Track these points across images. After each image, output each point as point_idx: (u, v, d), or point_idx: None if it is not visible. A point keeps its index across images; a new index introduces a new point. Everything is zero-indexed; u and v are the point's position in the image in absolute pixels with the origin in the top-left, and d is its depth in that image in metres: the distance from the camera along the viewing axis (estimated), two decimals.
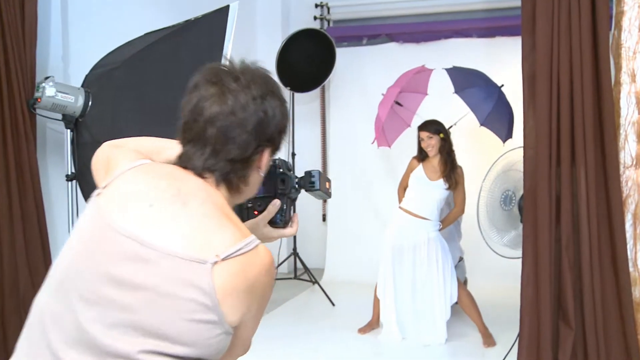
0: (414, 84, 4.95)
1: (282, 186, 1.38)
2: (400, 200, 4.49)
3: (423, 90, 4.95)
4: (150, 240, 1.08)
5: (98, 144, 3.15)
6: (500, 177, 4.24)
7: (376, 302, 4.50)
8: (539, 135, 3.42)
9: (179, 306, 1.05)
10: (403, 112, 5.11)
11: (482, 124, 4.85)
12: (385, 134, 4.95)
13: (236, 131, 1.17)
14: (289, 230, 1.42)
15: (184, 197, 1.13)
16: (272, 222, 1.38)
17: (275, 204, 1.36)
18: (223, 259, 1.07)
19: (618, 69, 3.33)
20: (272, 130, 1.22)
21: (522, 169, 3.63)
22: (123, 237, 1.09)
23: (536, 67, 3.40)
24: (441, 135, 4.29)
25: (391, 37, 6.52)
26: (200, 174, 1.19)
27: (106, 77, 3.26)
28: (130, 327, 1.05)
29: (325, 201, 6.25)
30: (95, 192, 1.19)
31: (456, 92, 4.89)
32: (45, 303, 1.12)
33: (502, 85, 4.72)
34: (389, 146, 5.07)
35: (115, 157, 1.31)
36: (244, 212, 1.37)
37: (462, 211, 4.43)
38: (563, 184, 3.40)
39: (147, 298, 1.05)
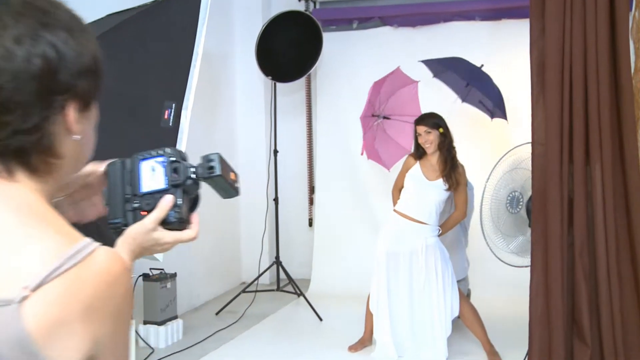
0: (402, 103, 5.15)
1: (175, 176, 1.23)
2: (394, 203, 4.47)
3: (416, 112, 5.01)
4: None
5: None
6: (506, 177, 4.24)
7: (368, 316, 4.47)
8: (549, 129, 3.41)
9: None
10: (397, 133, 5.20)
11: (464, 101, 5.13)
12: (379, 155, 5.16)
13: (7, 94, 0.90)
14: (187, 233, 1.24)
15: None
16: (166, 223, 1.23)
17: (167, 199, 1.21)
18: (35, 289, 0.84)
19: (639, 55, 3.33)
20: (67, 76, 0.95)
21: (530, 167, 3.64)
22: None
23: (546, 54, 3.39)
24: (440, 130, 4.27)
25: (385, 21, 6.49)
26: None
27: None
28: None
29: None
30: None
31: (435, 76, 5.11)
32: None
33: (482, 65, 5.00)
34: (388, 169, 5.22)
35: None
36: (129, 214, 1.23)
37: (464, 214, 4.42)
38: (576, 183, 3.40)
39: None
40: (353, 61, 6.48)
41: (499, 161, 4.31)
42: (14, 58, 0.90)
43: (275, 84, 6.14)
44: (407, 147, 4.91)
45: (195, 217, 1.25)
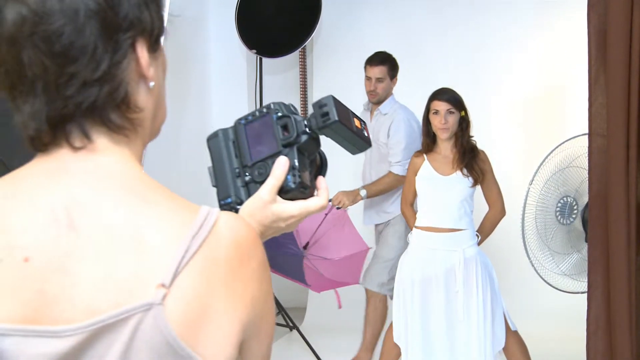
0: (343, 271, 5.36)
1: (286, 134, 1.28)
2: (410, 222, 4.44)
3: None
4: (57, 318, 0.92)
5: None
6: (555, 178, 4.24)
7: (385, 351, 4.45)
8: (612, 116, 3.40)
9: None
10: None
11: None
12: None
13: (67, 39, 0.94)
14: (314, 201, 1.28)
15: (65, 214, 0.95)
16: (285, 192, 1.27)
17: (280, 161, 1.25)
18: (171, 282, 0.92)
19: None
20: (129, 7, 0.99)
21: (586, 166, 3.63)
22: (17, 339, 0.91)
23: (609, 19, 3.37)
24: (463, 113, 4.24)
25: None
26: (65, 128, 0.99)
27: None
28: None
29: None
30: None
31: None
32: None
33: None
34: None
35: None
36: (241, 190, 1.28)
37: (502, 211, 4.37)
38: None
39: None
40: (358, 30, 6.49)
41: (546, 158, 4.31)
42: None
43: (261, 59, 6.12)
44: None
45: (322, 181, 1.32)
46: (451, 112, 4.21)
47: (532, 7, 6.07)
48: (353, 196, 4.90)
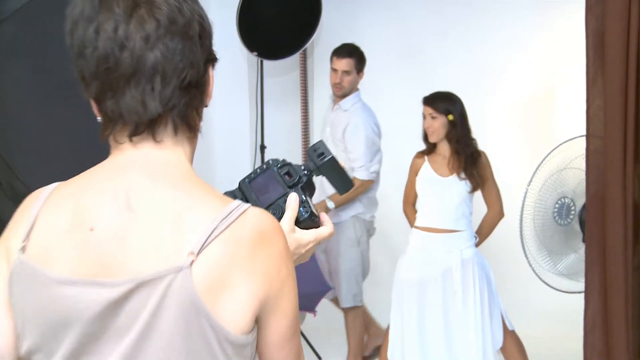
0: None
1: (290, 178, 1.51)
2: (410, 222, 4.45)
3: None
4: (111, 274, 1.19)
5: None
6: (553, 179, 4.25)
7: (385, 346, 4.46)
8: (609, 118, 3.40)
9: (181, 338, 1.18)
10: None
11: None
12: None
13: (184, 45, 1.23)
14: (325, 229, 1.51)
15: (124, 199, 1.22)
16: (299, 222, 1.48)
17: (292, 197, 1.46)
18: (197, 252, 1.16)
19: None
20: (210, 37, 1.31)
21: (584, 167, 3.62)
22: (79, 289, 1.20)
23: (606, 21, 3.37)
24: (450, 117, 4.23)
25: None
26: (153, 127, 1.25)
27: None
28: None
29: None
30: (17, 246, 1.26)
31: None
32: None
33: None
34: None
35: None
36: None
37: (501, 213, 4.38)
38: None
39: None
40: (358, 31, 6.47)
41: (544, 159, 4.32)
42: (185, 13, 1.23)
43: (262, 61, 6.11)
44: None
45: (324, 216, 1.54)
46: (434, 117, 4.23)
47: (531, 9, 6.08)
48: (321, 209, 4.65)
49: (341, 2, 6.48)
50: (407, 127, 5.32)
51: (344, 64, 4.91)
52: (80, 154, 3.08)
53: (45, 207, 1.27)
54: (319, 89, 6.66)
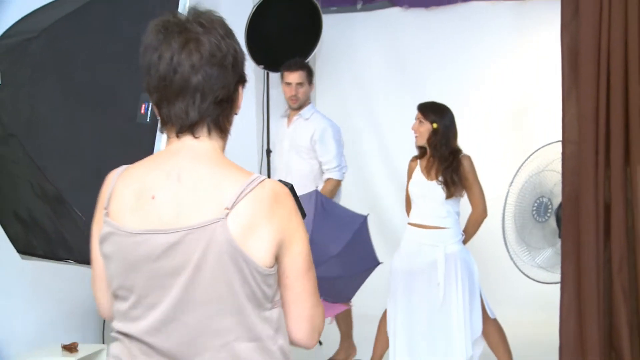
0: None
1: None
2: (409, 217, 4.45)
3: None
4: (168, 225, 1.52)
5: (12, 137, 3.11)
6: (532, 180, 4.25)
7: (379, 338, 4.45)
8: (583, 126, 3.41)
9: (222, 271, 1.50)
10: None
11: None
12: None
13: (221, 71, 1.55)
14: None
15: (175, 175, 1.55)
16: None
17: None
18: (231, 207, 1.49)
19: None
20: (242, 66, 1.62)
21: (560, 170, 3.64)
22: (145, 237, 1.53)
23: (580, 39, 3.38)
24: (434, 125, 4.21)
25: (393, 1, 6.50)
26: (193, 127, 1.57)
27: (20, 50, 3.17)
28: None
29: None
30: (102, 215, 1.62)
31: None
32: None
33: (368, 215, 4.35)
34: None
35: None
36: None
37: (484, 212, 4.36)
38: (613, 188, 3.39)
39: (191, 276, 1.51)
40: (357, 48, 6.48)
41: (524, 162, 4.31)
42: (222, 49, 1.55)
43: (268, 73, 6.11)
44: None
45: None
46: (421, 122, 4.22)
47: (512, 25, 6.09)
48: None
49: (339, 20, 6.48)
50: (400, 133, 5.31)
51: (297, 76, 4.77)
52: (101, 157, 3.09)
53: (119, 182, 1.60)
54: (320, 99, 6.65)
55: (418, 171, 4.31)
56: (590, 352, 3.37)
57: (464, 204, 4.31)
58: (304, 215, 1.67)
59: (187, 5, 3.07)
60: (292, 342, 1.64)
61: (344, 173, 4.84)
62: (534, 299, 5.04)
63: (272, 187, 1.54)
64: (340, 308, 3.95)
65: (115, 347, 1.62)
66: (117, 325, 1.61)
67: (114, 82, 3.10)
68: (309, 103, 4.88)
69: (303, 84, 4.77)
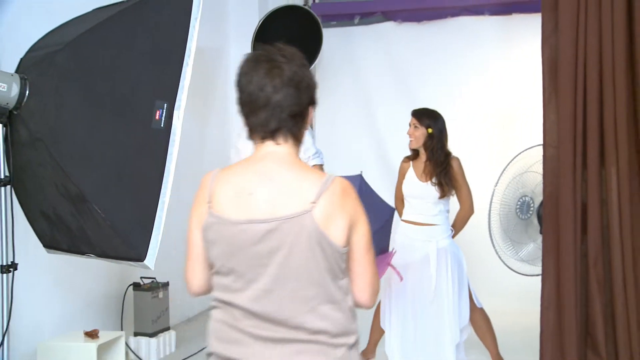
0: None
1: None
2: (400, 214, 4.45)
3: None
4: (265, 216, 1.76)
5: (39, 142, 3.12)
6: (515, 181, 4.24)
7: (374, 327, 4.45)
8: (562, 131, 3.41)
9: (310, 251, 1.75)
10: None
11: None
12: None
13: (296, 92, 1.80)
14: None
15: (267, 175, 1.81)
16: None
17: None
18: (315, 201, 1.75)
19: None
20: (313, 90, 1.88)
21: (541, 171, 3.63)
22: (246, 225, 1.77)
23: (559, 50, 3.38)
24: (429, 130, 4.21)
25: (388, 15, 6.49)
26: (274, 134, 1.83)
27: (46, 62, 3.17)
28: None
29: None
30: (205, 209, 1.84)
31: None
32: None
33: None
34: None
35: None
36: None
37: (471, 209, 4.35)
38: (590, 188, 3.40)
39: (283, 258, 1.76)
40: (355, 59, 6.48)
41: (508, 164, 4.31)
42: (299, 75, 1.81)
43: None
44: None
45: None
46: (416, 127, 4.21)
47: (498, 39, 6.10)
48: None
49: (338, 33, 6.49)
50: (395, 136, 5.31)
51: None
52: (119, 159, 3.11)
53: (216, 182, 1.84)
54: (320, 106, 6.62)
55: (412, 172, 4.30)
56: (568, 338, 3.37)
57: (453, 202, 4.32)
58: None
59: (198, 22, 3.09)
60: (357, 304, 1.89)
61: (322, 157, 4.71)
62: (517, 289, 5.03)
63: (341, 183, 1.80)
64: (384, 266, 3.98)
65: (218, 313, 1.87)
66: (219, 295, 1.86)
67: (131, 91, 3.11)
68: None
69: None
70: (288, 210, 1.76)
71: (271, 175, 1.81)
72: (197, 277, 1.93)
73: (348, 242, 1.81)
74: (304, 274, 1.77)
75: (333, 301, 1.81)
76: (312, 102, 1.89)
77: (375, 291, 1.92)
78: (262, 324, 1.80)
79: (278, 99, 1.79)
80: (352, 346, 1.86)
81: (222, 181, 1.85)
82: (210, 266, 1.88)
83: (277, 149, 1.84)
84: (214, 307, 1.89)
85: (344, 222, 1.79)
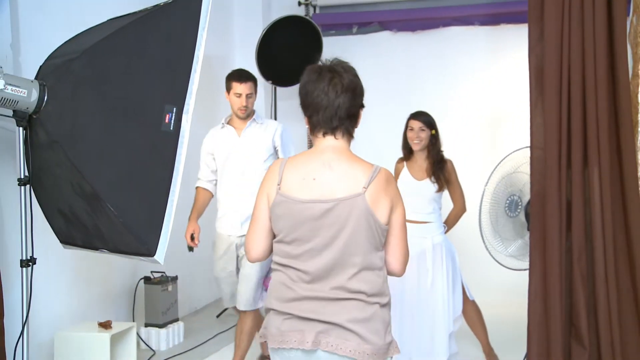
0: None
1: None
2: None
3: None
4: (325, 197, 2.05)
5: (56, 144, 3.13)
6: (504, 181, 4.22)
7: None
8: (548, 133, 3.41)
9: (360, 227, 2.05)
10: None
11: None
12: None
13: (352, 97, 2.11)
14: None
15: (328, 164, 2.09)
16: None
17: None
18: (366, 187, 2.05)
19: (636, 59, 3.33)
20: (363, 96, 2.18)
21: (529, 171, 3.63)
22: (310, 204, 2.06)
23: (544, 59, 3.39)
24: (433, 132, 4.22)
25: (384, 25, 6.50)
26: (334, 131, 2.12)
27: (64, 68, 3.18)
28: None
29: None
30: (275, 190, 2.11)
31: None
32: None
33: None
34: None
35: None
36: None
37: (464, 208, 4.36)
38: (574, 187, 3.40)
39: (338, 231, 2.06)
40: (353, 65, 6.48)
41: (497, 165, 4.29)
42: (353, 82, 2.13)
43: (275, 88, 6.14)
44: None
45: None
46: (423, 130, 4.20)
47: (487, 47, 6.11)
48: None
49: (337, 42, 6.50)
50: (389, 138, 5.30)
51: (247, 87, 4.12)
52: (131, 160, 3.11)
53: (286, 169, 2.12)
54: None
55: (406, 172, 4.30)
56: (554, 328, 3.37)
57: (445, 201, 4.32)
58: None
59: (205, 31, 3.09)
60: (390, 272, 2.20)
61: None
62: (506, 283, 5.01)
63: (385, 173, 2.10)
64: None
65: (278, 275, 2.14)
66: (280, 260, 2.13)
67: (143, 96, 3.11)
68: (254, 111, 4.28)
69: (252, 95, 4.17)
70: (344, 193, 2.04)
71: (331, 164, 2.09)
72: (260, 244, 2.17)
73: (389, 221, 2.10)
74: (352, 244, 2.04)
75: (373, 268, 2.09)
76: (362, 105, 2.19)
77: (406, 261, 2.22)
78: (314, 285, 2.07)
79: (339, 102, 2.08)
80: (384, 305, 2.15)
81: (290, 168, 2.12)
82: (274, 236, 2.15)
83: (336, 142, 2.13)
84: (274, 270, 2.17)
85: (387, 204, 2.07)
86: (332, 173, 2.08)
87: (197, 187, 4.23)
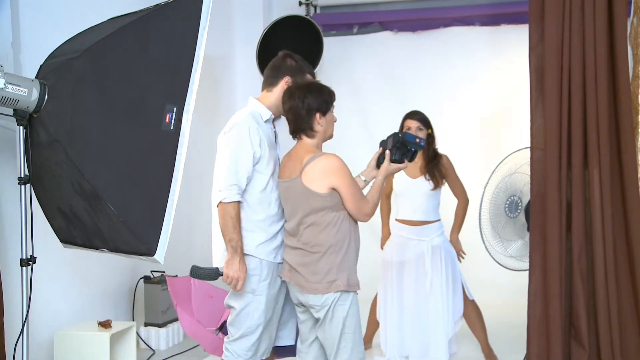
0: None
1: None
2: (382, 210, 4.44)
3: None
4: (289, 179, 2.84)
5: (56, 142, 3.13)
6: (504, 181, 4.22)
7: (370, 320, 4.45)
8: (548, 134, 3.42)
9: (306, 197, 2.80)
10: None
11: None
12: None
13: (303, 111, 2.85)
14: (404, 164, 3.12)
15: (293, 156, 2.86)
16: (393, 161, 3.07)
17: (387, 153, 3.07)
18: (302, 169, 2.77)
19: (637, 61, 3.33)
20: (317, 104, 2.85)
21: (529, 172, 3.63)
22: (284, 183, 2.88)
23: (545, 59, 3.39)
24: (429, 131, 4.22)
25: (385, 26, 6.50)
26: (302, 133, 2.89)
27: (64, 67, 3.19)
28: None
29: None
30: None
31: None
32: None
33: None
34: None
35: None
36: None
37: (467, 200, 4.35)
38: (574, 188, 3.41)
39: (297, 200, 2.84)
40: (353, 65, 6.49)
41: (497, 166, 4.29)
42: (304, 102, 2.85)
43: None
44: None
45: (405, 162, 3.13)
46: (421, 129, 4.19)
47: (487, 48, 6.10)
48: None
49: (338, 42, 6.50)
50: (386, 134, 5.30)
51: None
52: (131, 160, 3.11)
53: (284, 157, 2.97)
54: None
55: (401, 171, 4.30)
56: (553, 329, 3.38)
57: (443, 198, 4.32)
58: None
59: (206, 31, 3.10)
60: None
61: None
62: (506, 284, 5.02)
63: (326, 157, 2.79)
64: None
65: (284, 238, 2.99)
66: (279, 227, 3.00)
67: (143, 95, 3.11)
68: None
69: None
70: (295, 174, 2.86)
71: (299, 156, 2.88)
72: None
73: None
74: (299, 210, 2.88)
75: (318, 224, 2.81)
76: (319, 111, 2.90)
77: (361, 210, 2.98)
78: (290, 237, 2.92)
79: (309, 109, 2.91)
80: (324, 253, 2.83)
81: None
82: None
83: (304, 141, 2.94)
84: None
85: (324, 184, 2.80)
86: (294, 161, 2.88)
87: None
